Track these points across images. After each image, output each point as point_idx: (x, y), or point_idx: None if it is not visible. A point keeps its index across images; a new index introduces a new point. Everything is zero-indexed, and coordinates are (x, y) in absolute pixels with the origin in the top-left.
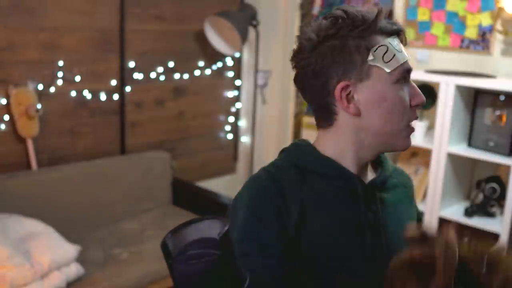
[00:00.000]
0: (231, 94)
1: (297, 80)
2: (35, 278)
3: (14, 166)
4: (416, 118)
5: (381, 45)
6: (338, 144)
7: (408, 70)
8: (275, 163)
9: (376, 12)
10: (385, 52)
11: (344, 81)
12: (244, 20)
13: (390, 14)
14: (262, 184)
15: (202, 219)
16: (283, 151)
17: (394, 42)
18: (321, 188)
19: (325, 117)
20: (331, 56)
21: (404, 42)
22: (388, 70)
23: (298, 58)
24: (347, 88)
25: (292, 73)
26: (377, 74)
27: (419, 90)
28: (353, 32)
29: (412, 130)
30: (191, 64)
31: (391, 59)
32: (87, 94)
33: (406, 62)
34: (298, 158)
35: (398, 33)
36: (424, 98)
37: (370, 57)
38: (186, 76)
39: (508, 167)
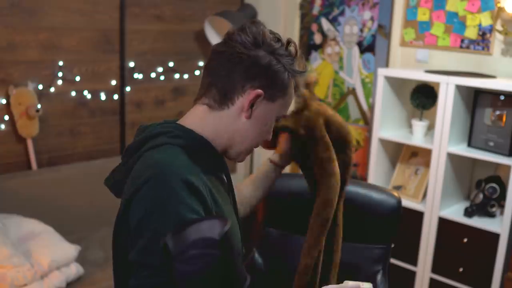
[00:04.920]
0: None
1: (223, 56)
2: (35, 278)
3: (14, 166)
4: (256, 147)
5: (293, 93)
6: (216, 129)
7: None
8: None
9: (305, 71)
10: (290, 97)
11: (262, 91)
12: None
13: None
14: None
15: (202, 219)
16: (163, 134)
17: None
18: (209, 170)
19: (221, 100)
20: (269, 66)
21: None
22: (285, 113)
23: (244, 43)
24: (259, 97)
25: None
26: (278, 105)
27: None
28: (291, 67)
29: (250, 153)
30: (191, 64)
31: (289, 105)
32: (87, 94)
33: None
34: (186, 139)
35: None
36: (269, 139)
37: (288, 93)
38: (186, 76)
39: (508, 167)
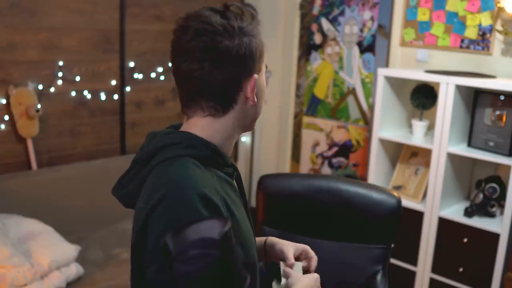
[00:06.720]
0: None
1: (197, 68)
2: (35, 278)
3: (14, 166)
4: None
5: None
6: (226, 131)
7: None
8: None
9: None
10: (263, 48)
11: (254, 74)
12: None
13: None
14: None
15: (202, 219)
16: (172, 145)
17: None
18: (222, 178)
19: (224, 105)
20: (248, 49)
21: None
22: (266, 70)
23: (214, 40)
24: (255, 80)
25: (293, 73)
26: (262, 69)
27: None
28: (257, 33)
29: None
30: None
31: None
32: (87, 94)
33: None
34: (199, 150)
35: None
36: None
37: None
38: None
39: (508, 167)
